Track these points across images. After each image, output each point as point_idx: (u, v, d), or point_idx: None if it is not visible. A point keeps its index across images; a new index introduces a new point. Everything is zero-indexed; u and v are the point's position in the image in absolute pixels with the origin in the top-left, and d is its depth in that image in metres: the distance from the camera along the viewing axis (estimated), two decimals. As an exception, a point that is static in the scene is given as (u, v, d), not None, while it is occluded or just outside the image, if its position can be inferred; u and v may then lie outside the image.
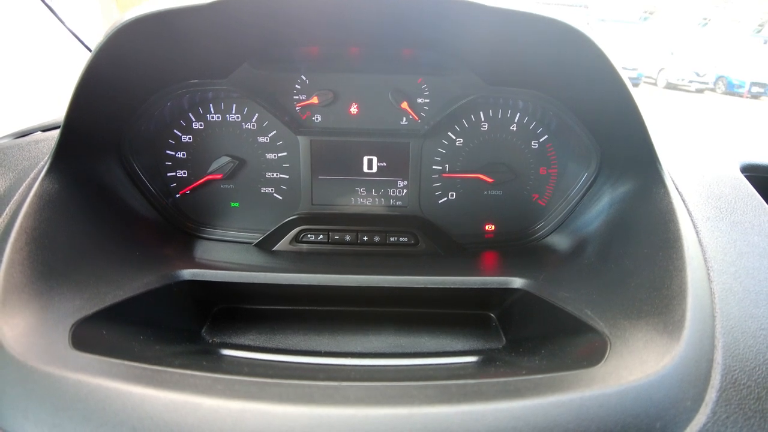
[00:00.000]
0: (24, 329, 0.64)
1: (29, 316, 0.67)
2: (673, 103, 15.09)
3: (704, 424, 0.58)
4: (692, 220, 0.84)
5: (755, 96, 17.82)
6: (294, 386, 0.58)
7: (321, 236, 1.16)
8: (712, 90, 18.93)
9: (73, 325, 0.68)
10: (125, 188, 1.08)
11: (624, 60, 17.96)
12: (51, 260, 0.76)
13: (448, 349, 0.92)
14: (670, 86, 19.27)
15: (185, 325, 0.92)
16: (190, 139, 1.16)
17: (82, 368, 0.58)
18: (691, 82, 18.82)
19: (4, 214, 0.82)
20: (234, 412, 0.53)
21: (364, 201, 1.19)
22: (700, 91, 18.85)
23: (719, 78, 18.80)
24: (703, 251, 0.78)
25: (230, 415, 0.53)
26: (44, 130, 1.23)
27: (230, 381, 0.58)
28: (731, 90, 18.31)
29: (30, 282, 0.71)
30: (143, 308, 0.83)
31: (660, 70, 19.76)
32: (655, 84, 19.92)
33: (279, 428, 0.52)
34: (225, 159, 1.15)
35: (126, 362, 0.60)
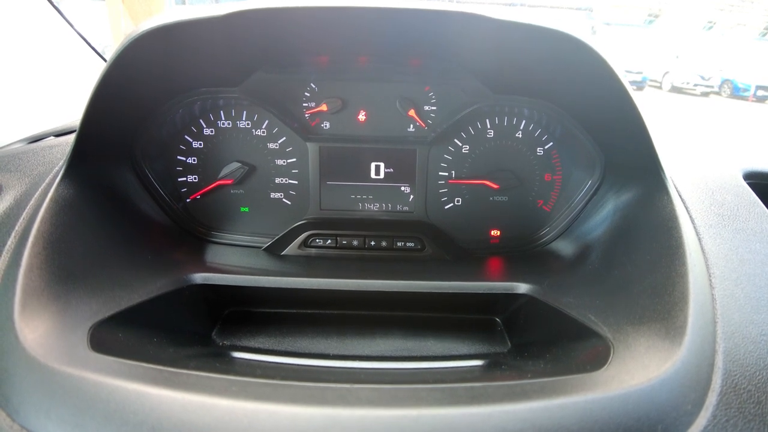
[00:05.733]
0: (44, 332, 0.66)
1: (48, 318, 0.68)
2: (678, 106, 15.04)
3: (705, 427, 0.60)
4: (695, 227, 0.85)
5: (760, 100, 17.76)
6: (307, 388, 0.59)
7: (329, 241, 1.18)
8: (718, 93, 18.87)
9: (90, 328, 0.70)
10: (137, 193, 1.10)
11: (629, 63, 17.97)
12: (68, 264, 0.78)
13: (454, 352, 0.93)
14: (675, 90, 19.23)
15: (197, 328, 0.94)
16: (201, 145, 1.18)
17: (101, 370, 0.60)
18: (696, 85, 18.78)
19: (21, 218, 0.84)
20: (249, 412, 0.55)
21: (371, 206, 1.21)
22: (705, 94, 18.80)
23: (724, 81, 18.74)
24: (705, 258, 0.80)
25: (245, 415, 0.54)
26: (57, 135, 1.25)
27: (245, 383, 0.60)
28: (737, 93, 18.24)
29: (48, 286, 0.73)
30: (157, 311, 0.85)
31: (665, 74, 19.73)
32: (660, 87, 19.89)
33: (292, 428, 0.54)
34: (235, 165, 1.17)
35: (144, 364, 0.62)
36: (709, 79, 18.77)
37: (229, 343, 0.93)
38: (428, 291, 0.99)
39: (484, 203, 1.23)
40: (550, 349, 0.82)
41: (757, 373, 0.66)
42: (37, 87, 1.63)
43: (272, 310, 1.03)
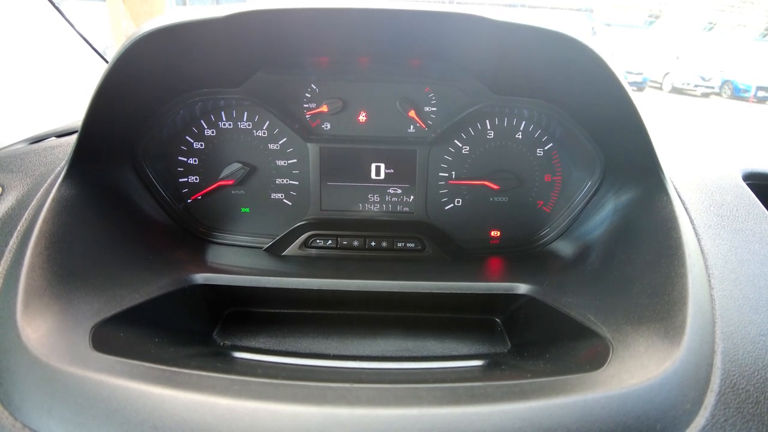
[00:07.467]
0: (46, 331, 0.66)
1: (50, 318, 0.69)
2: (679, 107, 15.05)
3: (703, 427, 0.60)
4: (694, 228, 0.86)
5: (761, 100, 17.76)
6: (307, 387, 0.60)
7: (330, 241, 1.19)
8: (718, 94, 18.87)
9: (92, 327, 0.70)
10: (138, 193, 1.10)
11: (629, 64, 17.96)
12: (70, 264, 0.78)
13: (454, 353, 0.93)
14: (676, 90, 19.21)
15: (198, 328, 0.95)
16: (201, 145, 1.18)
17: (103, 369, 0.60)
18: (696, 86, 18.77)
19: (23, 218, 0.84)
20: (250, 411, 0.55)
21: (371, 207, 1.21)
22: (705, 95, 18.79)
23: (725, 82, 18.73)
24: (705, 258, 0.80)
25: (246, 414, 0.55)
26: (59, 136, 1.26)
27: (246, 382, 0.60)
28: (737, 94, 18.24)
29: (50, 285, 0.73)
30: (158, 311, 0.85)
31: (665, 75, 19.72)
32: (660, 88, 19.87)
33: (293, 427, 0.54)
34: (236, 165, 1.17)
35: (145, 363, 0.62)
36: (709, 80, 18.76)
37: (230, 343, 0.93)
38: (428, 291, 0.99)
39: (484, 204, 1.23)
40: (550, 349, 0.82)
41: (756, 373, 0.66)
42: (39, 88, 1.64)
43: (273, 311, 1.03)
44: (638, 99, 0.89)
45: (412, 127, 1.20)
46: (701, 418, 0.61)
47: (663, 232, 0.83)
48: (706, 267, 0.78)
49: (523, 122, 1.19)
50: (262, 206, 1.22)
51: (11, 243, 0.79)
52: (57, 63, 1.73)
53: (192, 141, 1.18)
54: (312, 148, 1.17)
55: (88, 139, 0.92)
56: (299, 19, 0.92)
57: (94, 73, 0.91)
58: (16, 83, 1.56)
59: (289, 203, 1.22)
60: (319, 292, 0.98)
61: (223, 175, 1.18)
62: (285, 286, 0.99)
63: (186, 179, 1.20)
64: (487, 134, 1.20)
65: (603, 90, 0.92)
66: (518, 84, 1.12)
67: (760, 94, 17.82)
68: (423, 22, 0.92)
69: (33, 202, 0.88)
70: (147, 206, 1.11)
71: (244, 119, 1.17)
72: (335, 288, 0.98)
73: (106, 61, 0.88)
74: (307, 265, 1.13)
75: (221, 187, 1.20)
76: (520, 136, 1.20)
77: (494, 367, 0.89)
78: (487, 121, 1.19)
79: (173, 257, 1.04)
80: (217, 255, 1.14)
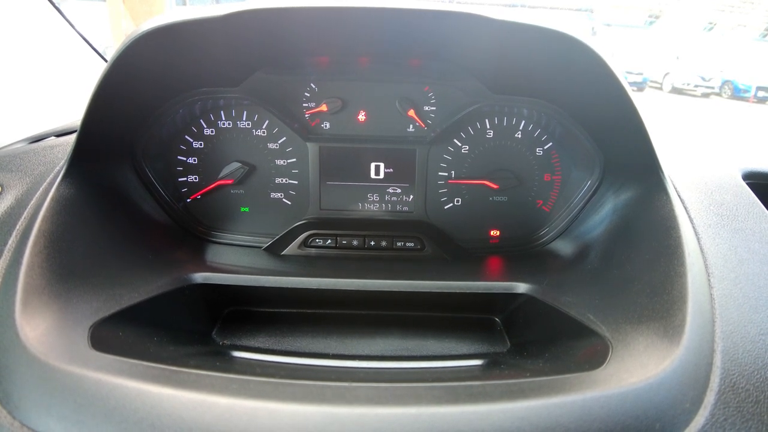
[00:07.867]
0: (45, 330, 0.66)
1: (49, 317, 0.69)
2: (679, 107, 15.05)
3: (703, 426, 0.60)
4: (693, 227, 0.86)
5: (761, 101, 17.76)
6: (306, 386, 0.60)
7: (329, 241, 1.19)
8: (718, 95, 18.86)
9: (91, 326, 0.70)
10: (138, 193, 1.10)
11: (629, 64, 17.96)
12: (69, 263, 0.78)
13: (453, 352, 0.93)
14: (676, 90, 19.20)
15: (197, 327, 0.95)
16: (201, 145, 1.18)
17: (102, 368, 0.60)
18: (696, 86, 18.76)
19: (23, 217, 0.84)
20: (249, 410, 0.55)
21: (371, 206, 1.21)
22: (705, 95, 18.78)
23: (725, 82, 18.72)
24: (704, 257, 0.80)
25: (245, 413, 0.55)
26: (58, 135, 1.26)
27: (244, 381, 0.60)
28: (737, 95, 18.23)
29: (49, 284, 0.73)
30: (157, 310, 0.85)
31: (665, 75, 19.71)
32: (660, 88, 19.86)
33: (292, 426, 0.54)
34: (235, 165, 1.17)
35: (144, 362, 0.62)
36: (709, 80, 18.74)
37: (229, 342, 0.93)
38: (428, 291, 0.99)
39: (483, 203, 1.23)
40: (549, 348, 0.82)
41: (756, 373, 0.66)
42: (39, 87, 1.64)
43: (272, 310, 1.03)
44: (638, 99, 0.89)
45: (411, 126, 1.19)
46: (701, 417, 0.61)
47: (662, 232, 0.83)
48: (706, 266, 0.78)
49: (523, 121, 1.19)
50: (261, 205, 1.22)
51: (10, 242, 0.79)
52: (57, 63, 1.73)
53: (191, 140, 1.18)
54: (311, 148, 1.17)
55: (87, 139, 0.92)
56: (298, 18, 0.92)
57: (94, 72, 0.91)
58: (16, 83, 1.56)
59: (289, 202, 1.22)
60: (318, 291, 0.98)
61: (222, 174, 1.18)
62: (284, 286, 0.99)
63: (185, 178, 1.20)
64: (487, 133, 1.20)
65: (603, 90, 0.92)
66: (518, 84, 1.12)
67: (760, 94, 17.81)
68: (423, 22, 0.92)
69: (32, 201, 0.88)
70: (146, 206, 1.11)
71: (244, 118, 1.17)
72: (334, 287, 0.98)
73: (106, 61, 0.88)
74: (307, 264, 1.13)
75: (221, 186, 1.20)
76: (520, 136, 1.20)
77: (493, 366, 0.89)
78: (487, 120, 1.19)
79: (172, 256, 1.04)
80: (216, 254, 1.14)
